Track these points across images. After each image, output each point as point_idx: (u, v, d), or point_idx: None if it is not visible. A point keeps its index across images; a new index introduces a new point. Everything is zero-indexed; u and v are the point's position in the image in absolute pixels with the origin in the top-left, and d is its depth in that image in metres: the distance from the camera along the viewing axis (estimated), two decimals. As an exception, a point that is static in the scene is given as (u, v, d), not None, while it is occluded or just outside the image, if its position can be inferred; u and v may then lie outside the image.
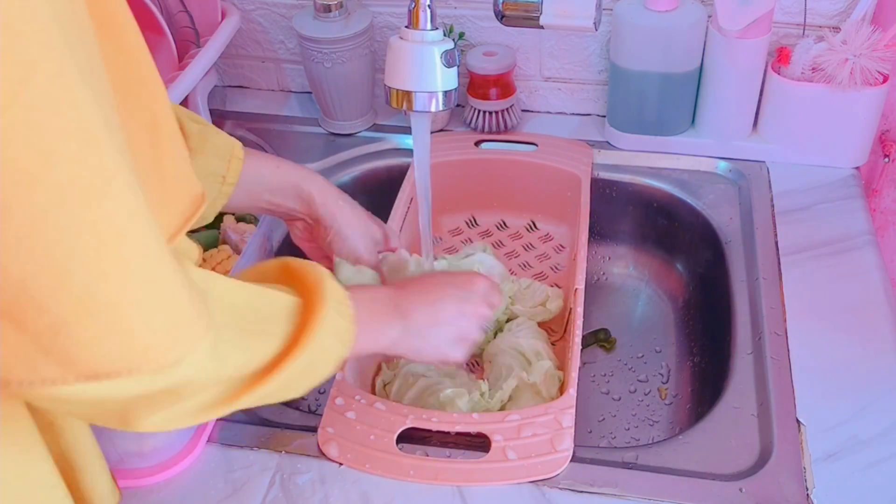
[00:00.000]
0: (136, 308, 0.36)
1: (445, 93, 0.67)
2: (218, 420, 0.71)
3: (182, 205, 0.46)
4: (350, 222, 0.74)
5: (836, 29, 0.90)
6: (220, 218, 0.90)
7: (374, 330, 0.60)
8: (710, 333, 0.87)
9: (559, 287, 0.91)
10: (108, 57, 0.38)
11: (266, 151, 1.04)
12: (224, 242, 0.96)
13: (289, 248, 0.92)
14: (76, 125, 0.32)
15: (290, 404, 0.75)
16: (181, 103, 0.92)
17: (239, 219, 0.78)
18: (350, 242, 0.74)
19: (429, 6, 0.65)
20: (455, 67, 0.67)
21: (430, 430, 0.68)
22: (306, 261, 0.56)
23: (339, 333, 0.54)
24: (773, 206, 0.89)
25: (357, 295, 0.58)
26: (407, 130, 1.04)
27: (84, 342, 0.35)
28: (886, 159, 0.98)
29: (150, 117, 0.43)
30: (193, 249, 0.50)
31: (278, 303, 0.51)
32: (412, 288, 0.66)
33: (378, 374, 0.81)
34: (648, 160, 0.98)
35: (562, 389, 0.72)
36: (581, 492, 0.64)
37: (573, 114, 1.07)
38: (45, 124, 0.31)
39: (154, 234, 0.37)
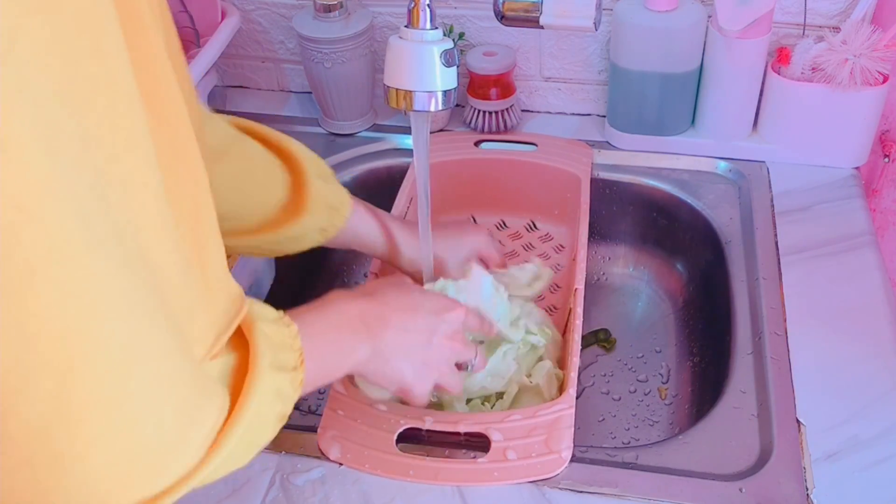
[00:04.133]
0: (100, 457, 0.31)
1: (445, 92, 0.67)
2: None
3: (224, 302, 0.41)
4: (407, 243, 0.80)
5: (836, 29, 0.90)
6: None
7: (336, 358, 0.57)
8: (710, 333, 0.87)
9: (545, 266, 0.88)
10: (153, 132, 0.34)
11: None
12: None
13: (292, 261, 0.92)
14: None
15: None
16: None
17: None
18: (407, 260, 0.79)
19: (428, 6, 0.65)
20: (455, 67, 0.67)
21: (430, 431, 0.68)
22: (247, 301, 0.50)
23: (278, 390, 0.48)
24: (773, 206, 0.89)
25: (316, 320, 0.55)
26: (407, 130, 1.04)
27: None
28: (886, 159, 0.98)
29: (192, 205, 0.38)
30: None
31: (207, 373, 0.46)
32: (388, 303, 0.63)
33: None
34: (648, 160, 0.98)
35: (561, 389, 0.72)
36: (581, 492, 0.64)
37: (573, 114, 1.07)
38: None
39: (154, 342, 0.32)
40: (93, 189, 0.30)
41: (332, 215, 0.73)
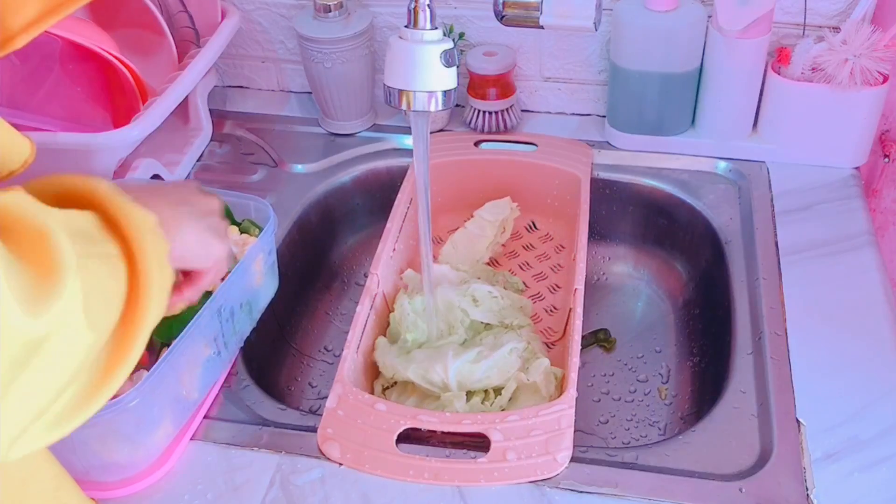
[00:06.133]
0: None
1: (445, 92, 0.67)
2: (217, 420, 0.71)
3: None
4: None
5: (836, 29, 0.90)
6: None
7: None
8: (710, 333, 0.87)
9: (560, 287, 0.91)
10: None
11: (266, 152, 1.04)
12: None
13: (292, 261, 0.92)
14: None
15: (290, 404, 0.75)
16: (182, 103, 0.92)
17: (243, 230, 0.79)
18: None
19: (429, 6, 0.65)
20: (455, 67, 0.67)
21: (430, 431, 0.68)
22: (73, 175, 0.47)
23: (160, 252, 0.46)
24: (773, 206, 0.89)
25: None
26: (407, 130, 1.04)
27: None
28: (886, 159, 0.98)
29: None
30: (24, 146, 0.42)
31: (87, 219, 0.43)
32: (144, 188, 0.59)
33: (377, 378, 0.82)
34: (648, 160, 0.98)
35: (561, 389, 0.72)
36: (581, 492, 0.64)
37: (573, 114, 1.07)
38: None
39: None
40: None
41: None
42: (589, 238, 0.86)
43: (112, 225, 0.44)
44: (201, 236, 0.58)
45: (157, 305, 0.44)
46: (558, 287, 0.94)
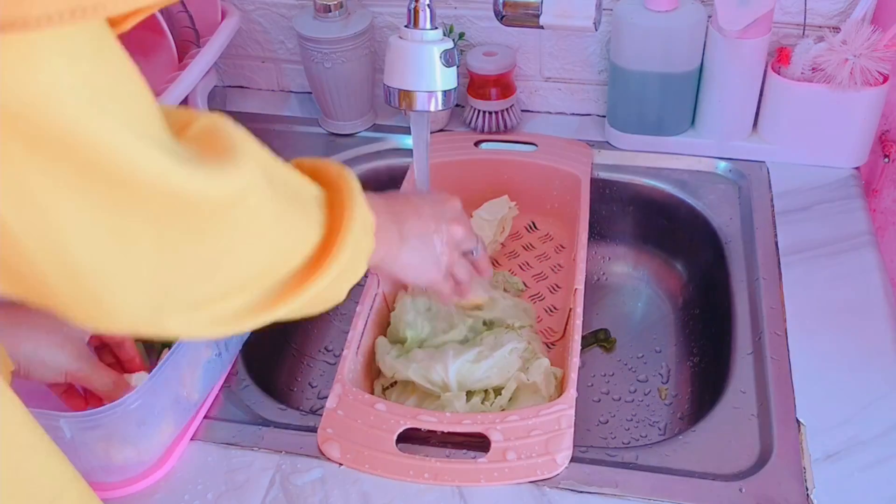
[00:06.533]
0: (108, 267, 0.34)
1: (445, 92, 0.67)
2: (217, 420, 0.71)
3: None
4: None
5: (836, 29, 0.90)
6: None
7: (379, 230, 0.56)
8: (710, 333, 0.87)
9: (560, 287, 0.91)
10: None
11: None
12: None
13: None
14: None
15: (290, 404, 0.75)
16: (181, 103, 0.92)
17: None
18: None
19: (429, 6, 0.65)
20: (454, 67, 0.67)
21: (430, 431, 0.68)
22: (318, 158, 0.54)
23: (366, 226, 0.51)
24: (773, 206, 0.89)
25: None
26: (407, 130, 1.04)
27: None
28: (886, 159, 0.98)
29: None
30: None
31: (308, 188, 0.48)
32: (396, 198, 0.64)
33: (377, 378, 0.82)
34: (648, 160, 0.98)
35: (561, 389, 0.72)
36: (581, 492, 0.64)
37: (573, 114, 1.07)
38: None
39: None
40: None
41: None
42: (589, 238, 0.86)
43: (333, 207, 0.48)
44: (419, 260, 0.62)
45: (332, 283, 0.47)
46: (558, 287, 0.94)
